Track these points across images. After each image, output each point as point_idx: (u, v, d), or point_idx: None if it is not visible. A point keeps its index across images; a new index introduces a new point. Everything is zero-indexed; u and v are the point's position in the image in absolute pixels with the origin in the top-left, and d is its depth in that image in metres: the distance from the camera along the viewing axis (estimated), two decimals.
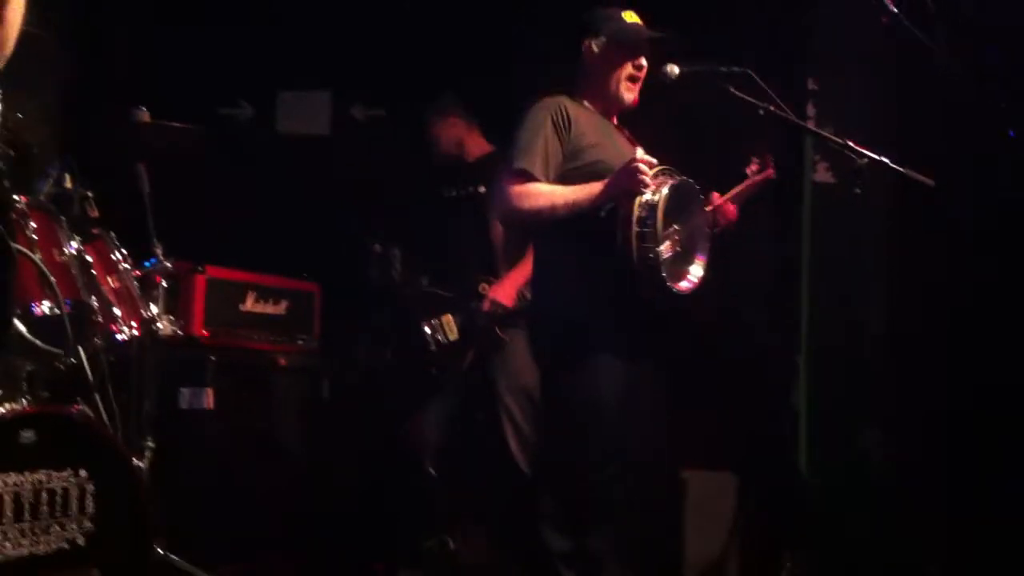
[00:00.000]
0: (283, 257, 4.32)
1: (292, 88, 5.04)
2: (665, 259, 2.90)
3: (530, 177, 3.04)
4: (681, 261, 3.00)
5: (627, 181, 2.91)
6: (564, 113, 3.12)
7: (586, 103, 3.24)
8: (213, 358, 3.85)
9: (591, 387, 3.03)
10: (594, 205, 2.98)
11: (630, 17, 3.27)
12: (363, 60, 4.84)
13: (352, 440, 4.30)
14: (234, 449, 3.86)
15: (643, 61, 3.24)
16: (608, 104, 3.27)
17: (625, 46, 3.23)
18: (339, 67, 4.91)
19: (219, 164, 4.36)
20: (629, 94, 3.24)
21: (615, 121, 3.30)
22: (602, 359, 3.04)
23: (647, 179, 2.90)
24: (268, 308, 4.19)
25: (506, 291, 3.97)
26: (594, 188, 2.98)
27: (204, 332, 3.90)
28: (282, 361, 4.17)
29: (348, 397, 4.39)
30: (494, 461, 3.95)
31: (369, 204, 4.72)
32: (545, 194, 3.03)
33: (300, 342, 4.28)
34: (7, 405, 2.79)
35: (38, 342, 2.92)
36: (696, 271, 3.03)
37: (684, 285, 2.99)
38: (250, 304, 4.11)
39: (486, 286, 4.01)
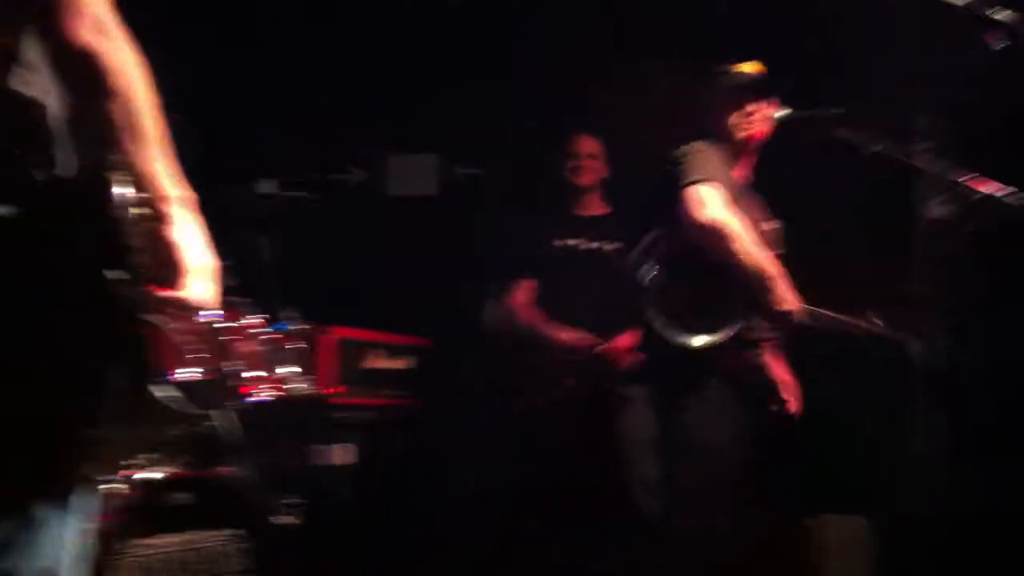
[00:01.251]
0: (400, 314, 4.44)
1: (400, 152, 5.19)
2: None
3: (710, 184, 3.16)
4: None
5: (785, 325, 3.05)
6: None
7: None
8: (341, 415, 3.97)
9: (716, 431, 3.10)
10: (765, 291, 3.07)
11: (746, 67, 3.40)
12: (467, 121, 4.98)
13: (473, 492, 4.36)
14: (366, 502, 3.96)
15: (751, 106, 3.32)
16: (736, 155, 3.38)
17: (734, 93, 3.34)
18: (444, 129, 5.05)
19: (335, 228, 4.51)
20: (743, 131, 3.34)
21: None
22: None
23: None
24: (392, 364, 4.32)
25: (625, 352, 3.94)
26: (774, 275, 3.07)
27: (332, 390, 4.03)
28: (406, 415, 4.27)
29: (468, 450, 4.46)
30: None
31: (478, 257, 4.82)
32: (733, 221, 3.12)
33: (423, 396, 4.39)
34: (157, 469, 2.93)
35: (180, 408, 3.06)
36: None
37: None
38: (375, 361, 4.25)
39: (601, 346, 4.01)
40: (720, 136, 3.37)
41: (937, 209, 4.04)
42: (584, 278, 4.15)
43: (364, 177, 5.15)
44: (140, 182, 1.48)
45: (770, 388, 3.30)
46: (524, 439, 4.17)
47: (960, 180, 3.07)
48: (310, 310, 3.85)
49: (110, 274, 1.39)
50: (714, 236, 3.14)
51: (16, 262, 1.37)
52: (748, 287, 3.11)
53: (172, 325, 1.52)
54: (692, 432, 3.17)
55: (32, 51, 1.44)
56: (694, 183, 3.19)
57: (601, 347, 3.99)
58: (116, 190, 1.43)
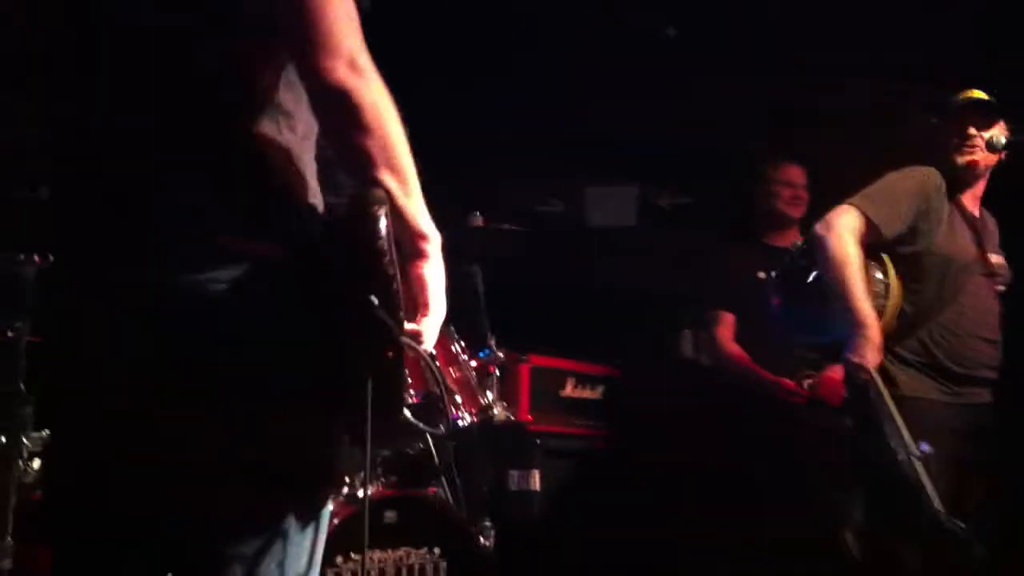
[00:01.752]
0: (599, 344, 4.51)
1: (599, 183, 5.28)
2: None
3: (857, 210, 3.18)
4: None
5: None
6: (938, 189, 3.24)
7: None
8: (539, 441, 4.07)
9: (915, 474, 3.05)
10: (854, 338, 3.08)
11: (971, 94, 3.34)
12: (667, 152, 5.02)
13: (671, 522, 4.37)
14: (559, 527, 4.03)
15: (971, 130, 3.26)
16: (959, 185, 3.32)
17: (953, 120, 3.31)
18: (645, 161, 5.10)
19: (538, 259, 4.63)
20: (963, 157, 3.29)
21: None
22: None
23: None
24: (585, 393, 4.39)
25: (833, 388, 3.87)
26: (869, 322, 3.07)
27: (529, 417, 4.13)
28: (600, 444, 4.34)
29: (664, 480, 4.47)
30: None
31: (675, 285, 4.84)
32: (848, 254, 3.12)
33: (614, 425, 4.44)
34: (371, 488, 3.09)
35: (424, 429, 3.22)
36: None
37: None
38: (569, 390, 4.33)
39: (812, 382, 3.96)
40: (943, 163, 3.30)
41: None
42: None
43: (563, 208, 5.28)
44: (397, 215, 1.53)
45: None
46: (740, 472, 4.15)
47: None
48: (510, 338, 3.97)
49: (375, 300, 1.45)
50: (823, 260, 3.15)
51: (293, 290, 1.48)
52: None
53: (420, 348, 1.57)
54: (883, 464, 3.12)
55: (288, 95, 1.55)
56: (847, 203, 3.21)
57: (814, 384, 3.95)
58: (380, 222, 1.47)
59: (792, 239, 4.28)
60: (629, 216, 5.20)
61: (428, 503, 3.17)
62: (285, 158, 1.54)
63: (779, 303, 3.40)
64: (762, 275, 4.20)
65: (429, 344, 1.60)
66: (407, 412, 1.59)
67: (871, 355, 3.07)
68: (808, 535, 3.92)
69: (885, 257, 3.22)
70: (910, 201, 3.21)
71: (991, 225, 3.44)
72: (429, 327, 1.58)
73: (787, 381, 4.02)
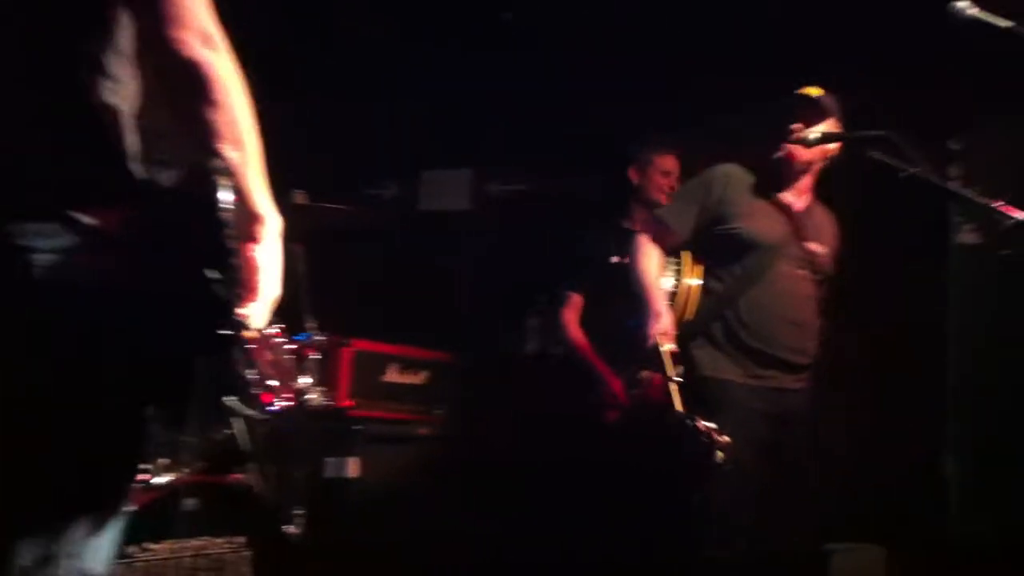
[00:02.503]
0: (426, 329, 4.43)
1: (433, 167, 5.21)
2: None
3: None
4: None
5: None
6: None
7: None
8: (358, 428, 3.96)
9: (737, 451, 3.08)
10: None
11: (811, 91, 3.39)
12: (503, 138, 4.98)
13: (492, 511, 4.33)
14: (377, 517, 3.94)
15: (800, 126, 3.32)
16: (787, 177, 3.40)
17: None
18: (479, 145, 5.05)
19: (366, 241, 4.52)
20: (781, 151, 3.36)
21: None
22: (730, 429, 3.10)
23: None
24: (409, 379, 4.30)
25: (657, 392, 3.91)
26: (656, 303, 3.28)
27: (349, 402, 4.01)
28: (422, 430, 4.25)
29: (490, 466, 4.43)
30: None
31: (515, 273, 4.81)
32: (643, 253, 3.36)
33: (439, 411, 4.37)
34: (172, 474, 2.93)
35: (249, 412, 3.07)
36: None
37: None
38: (392, 375, 4.23)
39: (647, 375, 3.97)
40: (767, 158, 3.36)
41: (969, 234, 4.00)
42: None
43: (396, 191, 5.18)
44: (237, 193, 1.50)
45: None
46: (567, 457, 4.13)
47: (993, 205, 3.00)
48: (336, 322, 3.86)
49: (210, 273, 1.42)
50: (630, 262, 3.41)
51: (124, 260, 1.42)
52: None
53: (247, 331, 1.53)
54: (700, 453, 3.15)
55: (121, 61, 1.48)
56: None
57: (641, 383, 3.96)
58: (221, 194, 1.45)
59: None
60: (462, 200, 5.14)
61: (233, 490, 3.03)
62: (115, 123, 1.48)
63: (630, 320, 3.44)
64: (615, 260, 4.20)
65: (257, 328, 1.57)
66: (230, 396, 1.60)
67: (654, 325, 3.20)
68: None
69: (684, 253, 3.40)
70: (690, 197, 3.41)
71: (820, 218, 3.49)
72: (257, 312, 1.56)
73: (616, 381, 4.00)
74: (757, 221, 3.32)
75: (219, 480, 3.04)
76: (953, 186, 3.62)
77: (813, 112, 3.34)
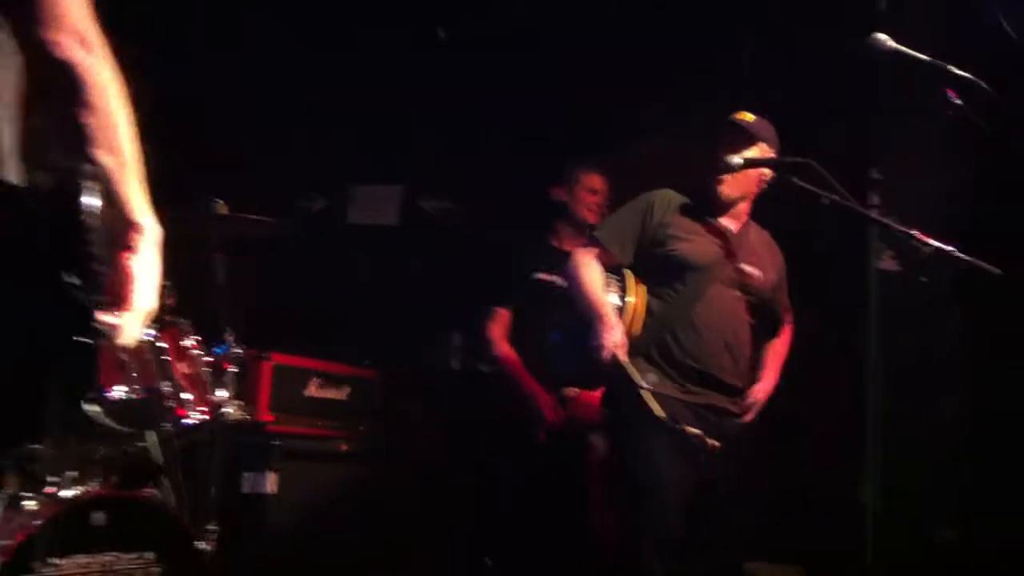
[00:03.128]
0: (349, 344, 4.39)
1: (364, 181, 5.17)
2: None
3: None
4: None
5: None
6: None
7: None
8: (277, 443, 3.90)
9: (653, 469, 3.11)
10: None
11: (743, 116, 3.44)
12: (434, 154, 4.97)
13: (414, 527, 4.29)
14: (295, 533, 3.88)
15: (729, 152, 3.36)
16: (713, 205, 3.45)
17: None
18: (410, 161, 5.03)
19: (291, 254, 4.47)
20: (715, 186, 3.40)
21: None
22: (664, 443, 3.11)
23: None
24: (331, 394, 4.25)
25: (590, 405, 3.91)
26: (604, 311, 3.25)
27: (269, 417, 3.95)
28: (343, 446, 4.20)
29: (409, 481, 4.40)
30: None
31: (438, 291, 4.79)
32: (587, 268, 3.35)
33: (362, 428, 4.32)
34: (80, 488, 2.86)
35: (112, 424, 3.00)
36: None
37: None
38: (313, 390, 4.18)
39: (573, 393, 3.97)
40: (700, 183, 3.42)
41: (888, 260, 4.06)
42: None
43: (324, 204, 5.13)
44: (111, 200, 1.47)
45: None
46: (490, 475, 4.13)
47: (911, 233, 3.06)
48: (258, 335, 3.80)
49: (67, 277, 1.37)
50: (570, 282, 3.41)
51: None
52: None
53: (115, 341, 1.48)
54: (639, 472, 3.16)
55: None
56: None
57: (568, 409, 3.96)
58: (85, 198, 1.41)
59: (574, 245, 4.31)
60: (392, 216, 5.11)
61: (143, 504, 2.96)
62: None
63: (555, 338, 3.48)
64: (543, 277, 4.20)
65: (128, 340, 1.52)
66: (91, 404, 1.53)
67: (608, 336, 3.17)
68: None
69: (626, 271, 3.40)
70: (627, 220, 3.44)
71: (755, 241, 3.53)
72: (129, 322, 1.51)
73: (546, 397, 4.00)
74: (693, 243, 3.36)
75: (130, 494, 2.97)
76: (873, 213, 3.70)
77: (743, 138, 3.38)
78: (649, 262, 3.38)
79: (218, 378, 3.41)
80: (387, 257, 5.06)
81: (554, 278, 4.15)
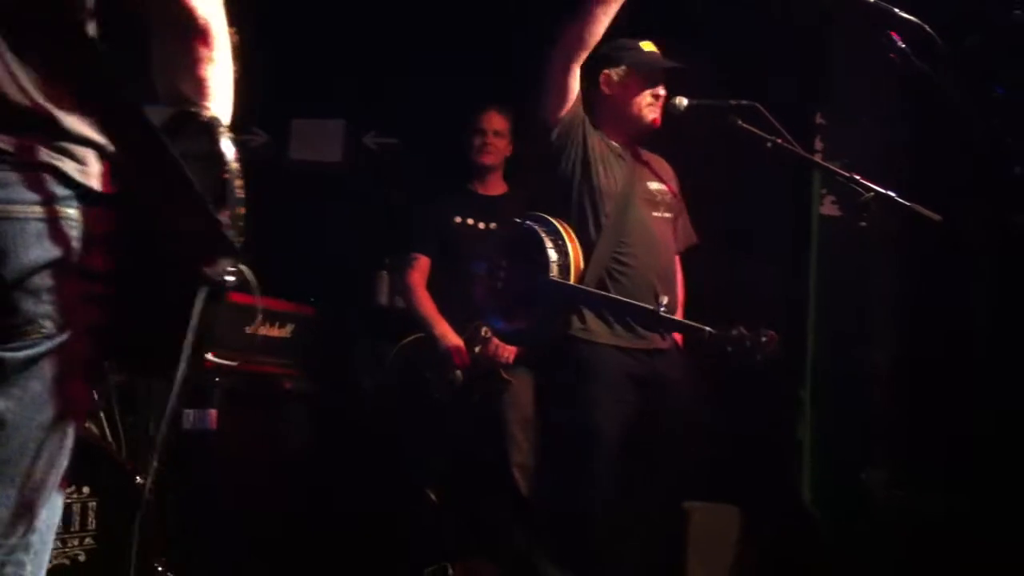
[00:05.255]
0: (292, 282, 4.34)
1: (306, 116, 5.09)
2: None
3: None
4: None
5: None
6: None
7: (603, 132, 3.28)
8: (218, 380, 3.86)
9: (587, 418, 3.07)
10: None
11: (648, 46, 3.34)
12: (378, 90, 4.89)
13: (355, 466, 4.30)
14: (237, 471, 3.86)
15: (661, 89, 3.30)
16: (629, 130, 3.32)
17: (645, 74, 3.30)
18: (353, 96, 4.96)
19: None
20: (651, 114, 3.31)
21: (634, 148, 3.36)
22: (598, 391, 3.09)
23: None
24: (274, 332, 4.21)
25: (503, 350, 3.91)
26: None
27: (211, 354, 3.90)
28: (287, 384, 4.18)
29: (352, 422, 4.40)
30: (498, 490, 3.93)
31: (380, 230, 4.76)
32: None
33: (304, 366, 4.29)
34: None
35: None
36: None
37: None
38: (257, 327, 4.13)
39: (488, 330, 3.96)
40: (617, 114, 3.32)
41: (829, 206, 4.11)
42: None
43: (265, 139, 5.05)
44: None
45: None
46: (411, 420, 4.13)
47: (853, 177, 3.08)
48: None
49: (219, 213, 1.39)
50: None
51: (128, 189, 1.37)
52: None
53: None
54: (566, 415, 3.15)
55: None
56: None
57: (478, 350, 3.95)
58: (228, 143, 1.43)
59: (494, 188, 4.28)
60: (334, 152, 5.04)
61: (80, 441, 2.90)
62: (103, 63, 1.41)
63: (480, 297, 3.34)
64: (459, 220, 4.17)
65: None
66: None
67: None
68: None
69: (556, 222, 3.17)
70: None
71: (652, 159, 3.45)
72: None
73: (455, 341, 3.99)
74: (608, 169, 3.26)
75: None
76: (816, 158, 3.72)
77: (667, 73, 3.33)
78: (564, 193, 3.22)
79: None
80: (329, 194, 4.99)
81: (474, 224, 4.16)
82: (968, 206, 3.51)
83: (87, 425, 3.01)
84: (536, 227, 3.11)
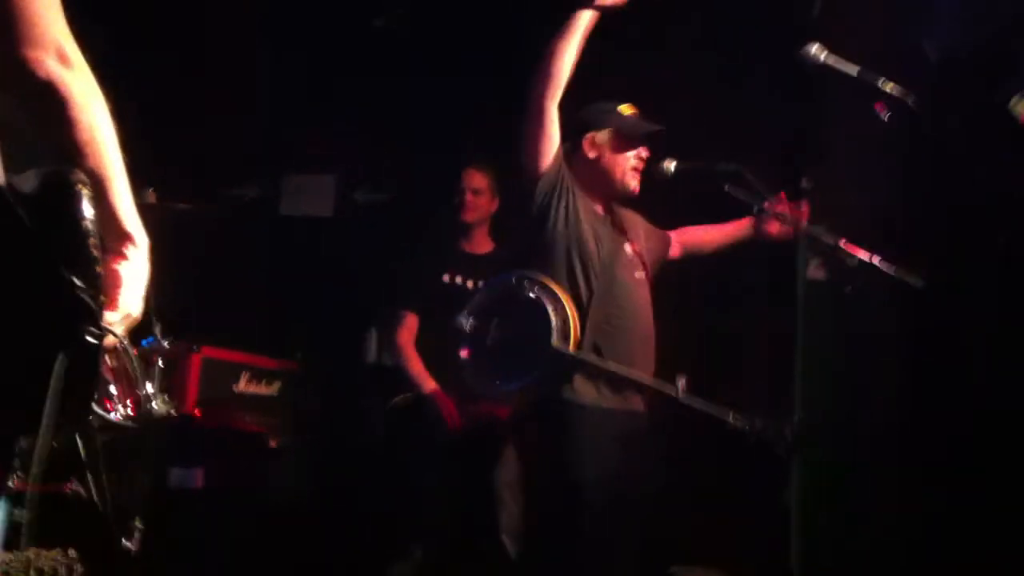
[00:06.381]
0: (280, 337, 4.35)
1: (297, 171, 5.13)
2: None
3: None
4: None
5: None
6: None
7: (586, 196, 3.31)
8: (204, 438, 3.86)
9: (574, 478, 3.08)
10: None
11: (627, 109, 3.38)
12: (368, 146, 4.94)
13: (342, 524, 4.28)
14: (223, 529, 3.84)
15: (644, 152, 3.34)
16: (610, 194, 3.36)
17: (629, 138, 3.33)
18: (344, 152, 5.00)
19: (222, 244, 4.42)
20: (633, 182, 3.34)
21: (614, 211, 3.39)
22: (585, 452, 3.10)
23: None
24: (261, 389, 4.21)
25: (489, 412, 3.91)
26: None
27: (197, 411, 3.91)
28: (272, 442, 4.17)
29: (339, 479, 4.38)
30: (487, 553, 3.91)
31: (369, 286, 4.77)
32: None
33: (291, 423, 4.29)
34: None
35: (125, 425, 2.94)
36: None
37: None
38: (243, 384, 4.13)
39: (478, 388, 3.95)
40: (599, 177, 3.34)
41: (816, 270, 4.13)
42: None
43: (257, 194, 5.08)
44: (102, 209, 1.48)
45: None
46: (395, 475, 4.11)
47: (839, 244, 3.12)
48: (186, 328, 3.75)
49: (71, 275, 1.38)
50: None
51: None
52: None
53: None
54: (554, 476, 3.15)
55: None
56: None
57: (467, 413, 3.95)
58: (84, 203, 1.41)
59: (479, 245, 4.30)
60: (325, 207, 5.07)
61: (65, 500, 2.89)
62: None
63: (468, 354, 3.28)
64: (447, 278, 4.19)
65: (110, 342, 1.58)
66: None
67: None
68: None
69: (547, 281, 3.16)
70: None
71: (628, 216, 3.47)
72: (117, 325, 1.58)
73: (446, 401, 3.99)
74: (595, 231, 3.27)
75: (52, 489, 2.91)
76: (802, 223, 3.76)
77: (649, 137, 3.36)
78: (552, 255, 3.22)
79: (145, 371, 3.36)
80: (319, 249, 5.01)
81: (461, 281, 4.17)
82: (955, 271, 3.54)
83: (74, 485, 2.99)
84: (533, 288, 3.11)
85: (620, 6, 3.17)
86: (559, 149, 3.22)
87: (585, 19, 3.13)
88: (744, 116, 4.08)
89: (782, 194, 3.53)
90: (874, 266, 3.06)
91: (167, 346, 3.43)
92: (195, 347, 3.93)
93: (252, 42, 4.77)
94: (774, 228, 3.63)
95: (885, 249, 3.11)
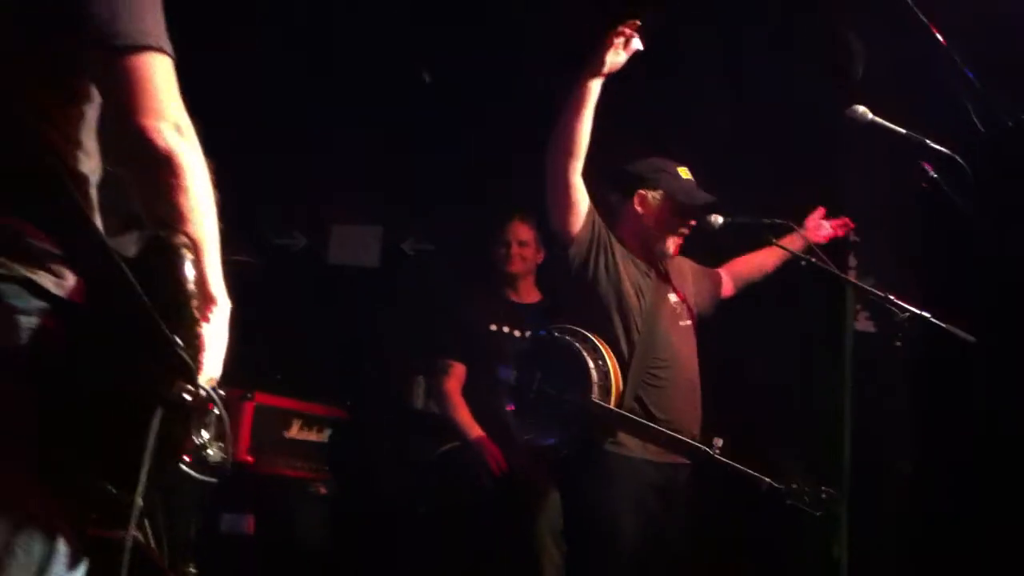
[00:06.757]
0: (331, 385, 4.40)
1: (346, 222, 5.20)
2: None
3: None
4: None
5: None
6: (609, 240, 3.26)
7: (626, 246, 3.34)
8: (256, 484, 3.90)
9: (614, 529, 3.09)
10: None
11: (684, 173, 3.37)
12: (416, 197, 5.00)
13: (388, 571, 4.29)
14: (273, 575, 3.87)
15: (692, 222, 3.35)
16: (651, 251, 3.37)
17: (684, 206, 3.33)
18: (392, 203, 5.06)
19: (273, 293, 4.48)
20: (673, 245, 3.35)
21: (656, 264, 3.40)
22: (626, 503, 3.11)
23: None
24: (311, 435, 4.25)
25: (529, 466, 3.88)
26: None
27: (249, 458, 3.95)
28: (323, 490, 4.20)
29: (384, 527, 4.40)
30: None
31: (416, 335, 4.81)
32: None
33: (339, 470, 4.32)
34: None
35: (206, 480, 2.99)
36: None
37: None
38: (295, 431, 4.18)
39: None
40: (644, 233, 3.37)
41: (864, 321, 4.14)
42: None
43: (306, 244, 5.15)
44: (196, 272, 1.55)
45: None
46: (439, 524, 4.12)
47: (888, 296, 3.13)
48: (238, 375, 3.80)
49: (176, 338, 1.48)
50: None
51: (86, 326, 1.47)
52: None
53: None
54: (595, 525, 3.15)
55: (90, 132, 1.56)
56: None
57: (513, 461, 3.97)
58: (187, 268, 1.51)
59: (526, 295, 4.34)
60: (372, 257, 5.14)
61: (120, 545, 2.94)
62: (85, 191, 1.55)
63: (512, 406, 3.33)
64: (494, 328, 4.22)
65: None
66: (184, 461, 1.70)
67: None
68: None
69: (589, 335, 3.18)
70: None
71: (677, 264, 3.47)
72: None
73: (493, 447, 4.01)
74: (636, 285, 3.27)
75: (105, 533, 2.95)
76: (851, 276, 3.77)
77: (705, 206, 3.34)
78: (594, 310, 3.22)
79: (200, 419, 3.41)
80: (367, 298, 5.07)
81: (508, 331, 4.20)
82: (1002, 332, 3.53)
83: (132, 531, 3.04)
84: (575, 343, 3.12)
85: (616, 70, 3.09)
86: (589, 209, 3.21)
87: (594, 87, 3.07)
88: (790, 171, 4.10)
89: (821, 209, 3.67)
90: (925, 318, 3.05)
91: (222, 393, 3.48)
92: (248, 394, 3.98)
93: (302, 93, 4.85)
94: (821, 236, 3.67)
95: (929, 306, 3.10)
